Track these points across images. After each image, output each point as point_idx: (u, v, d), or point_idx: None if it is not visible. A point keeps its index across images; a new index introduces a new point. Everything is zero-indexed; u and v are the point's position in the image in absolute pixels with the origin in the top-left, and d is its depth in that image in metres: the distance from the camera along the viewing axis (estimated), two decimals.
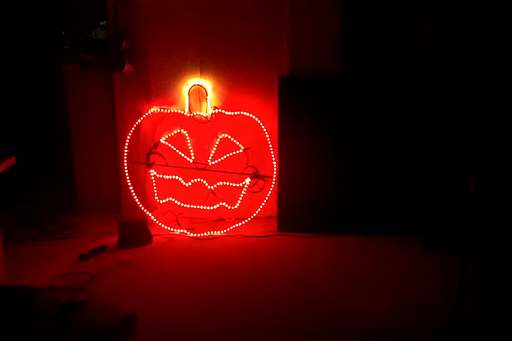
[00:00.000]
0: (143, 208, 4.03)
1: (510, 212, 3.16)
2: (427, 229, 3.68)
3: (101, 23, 4.09)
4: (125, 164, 4.01)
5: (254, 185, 4.03)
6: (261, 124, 3.98)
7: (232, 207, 4.07)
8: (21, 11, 3.87)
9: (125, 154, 4.00)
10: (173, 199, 4.07)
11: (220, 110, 3.97)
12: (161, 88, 4.03)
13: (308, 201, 3.98)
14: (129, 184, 4.00)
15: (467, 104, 3.70)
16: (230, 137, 4.02)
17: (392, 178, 3.87)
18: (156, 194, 4.07)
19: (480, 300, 2.84)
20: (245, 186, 4.03)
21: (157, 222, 4.03)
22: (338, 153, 3.90)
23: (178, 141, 4.04)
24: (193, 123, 4.02)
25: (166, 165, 4.04)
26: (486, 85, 3.70)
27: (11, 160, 3.04)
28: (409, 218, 3.87)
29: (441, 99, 3.73)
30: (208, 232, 3.98)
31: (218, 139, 4.01)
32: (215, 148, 4.02)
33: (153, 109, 4.02)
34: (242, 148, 4.01)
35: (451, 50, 3.71)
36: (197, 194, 4.07)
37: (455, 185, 3.73)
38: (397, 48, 3.84)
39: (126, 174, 4.01)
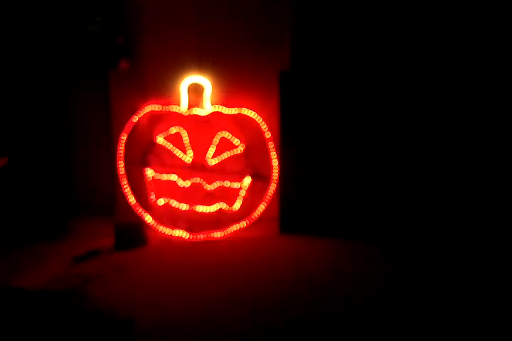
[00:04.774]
0: (139, 209, 3.97)
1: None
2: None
3: (97, 19, 4.07)
4: (121, 164, 3.94)
5: (254, 185, 3.99)
6: (261, 122, 3.93)
7: (231, 207, 4.01)
8: (15, 7, 3.83)
9: (121, 153, 3.94)
10: (170, 200, 4.01)
11: (218, 108, 3.92)
12: (159, 85, 4.00)
13: (311, 202, 3.93)
14: (125, 185, 3.94)
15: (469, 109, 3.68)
16: (229, 136, 3.96)
17: (396, 180, 3.80)
18: (152, 195, 4.01)
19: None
20: (245, 186, 3.98)
21: (154, 223, 3.97)
22: (341, 152, 3.83)
23: (176, 139, 3.98)
24: (191, 121, 3.96)
25: (163, 165, 3.99)
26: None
27: (2, 161, 3.04)
28: (413, 225, 3.81)
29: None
30: (206, 234, 3.94)
31: (217, 138, 3.96)
32: (213, 147, 3.96)
33: (151, 107, 3.95)
34: (242, 147, 3.96)
35: None
36: (195, 194, 4.00)
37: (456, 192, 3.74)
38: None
39: (122, 174, 3.95)
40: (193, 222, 4.06)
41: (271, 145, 3.95)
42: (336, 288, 3.10)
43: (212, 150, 3.95)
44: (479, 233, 3.66)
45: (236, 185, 3.99)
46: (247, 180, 3.97)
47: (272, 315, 2.79)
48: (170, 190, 4.03)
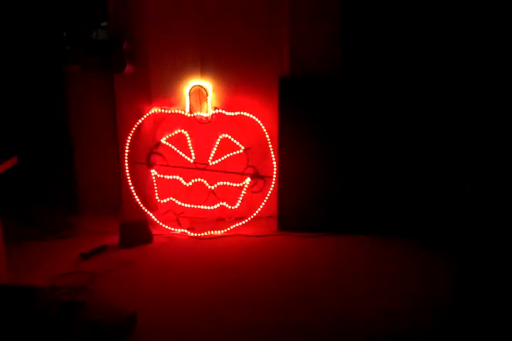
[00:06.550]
0: (143, 208, 4.05)
1: (507, 212, 3.22)
2: (424, 229, 3.70)
3: (102, 24, 4.12)
4: (126, 164, 4.03)
5: (254, 185, 4.05)
6: (261, 124, 3.99)
7: (232, 207, 4.08)
8: (22, 11, 3.89)
9: (126, 154, 4.02)
10: (173, 199, 4.09)
11: (220, 110, 3.99)
12: (162, 89, 4.05)
13: (308, 201, 4.00)
14: (130, 184, 4.02)
15: (466, 103, 3.74)
16: (230, 137, 4.03)
17: (392, 178, 3.89)
18: (156, 194, 4.10)
19: (477, 299, 2.86)
20: (245, 186, 4.05)
21: (158, 221, 4.05)
22: (337, 152, 3.91)
23: (179, 141, 4.06)
24: (193, 123, 4.03)
25: (167, 165, 4.06)
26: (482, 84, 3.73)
27: (13, 161, 3.06)
28: (409, 218, 3.87)
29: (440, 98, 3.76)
30: (208, 232, 4.00)
31: (218, 139, 4.03)
32: (215, 149, 4.03)
33: (154, 110, 4.04)
34: (242, 148, 4.03)
35: None
36: (197, 194, 4.09)
37: (452, 184, 3.78)
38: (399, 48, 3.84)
39: (127, 174, 4.02)
40: (196, 221, 4.14)
41: (270, 146, 4.00)
42: (336, 284, 3.15)
43: (214, 151, 4.03)
44: (480, 229, 3.71)
45: (237, 184, 4.07)
46: (248, 180, 4.05)
47: (273, 312, 2.85)
48: (173, 189, 4.10)
